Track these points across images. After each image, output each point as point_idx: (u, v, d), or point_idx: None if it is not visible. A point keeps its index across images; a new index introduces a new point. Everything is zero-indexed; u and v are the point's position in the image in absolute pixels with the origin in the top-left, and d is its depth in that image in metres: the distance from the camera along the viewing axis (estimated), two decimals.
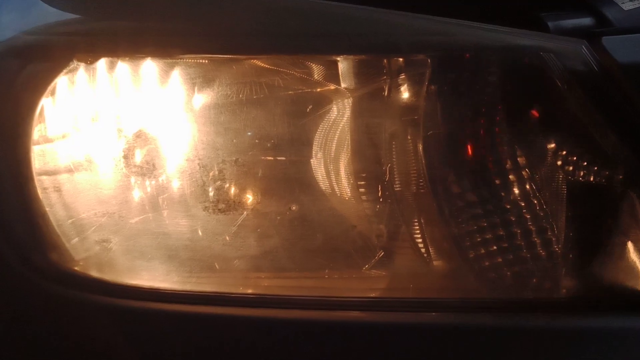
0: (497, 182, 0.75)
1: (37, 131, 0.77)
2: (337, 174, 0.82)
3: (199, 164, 0.80)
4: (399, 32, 0.72)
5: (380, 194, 0.80)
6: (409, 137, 0.78)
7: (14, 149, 0.77)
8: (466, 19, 0.72)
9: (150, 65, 0.78)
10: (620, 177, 0.73)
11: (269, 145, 0.81)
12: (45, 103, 0.77)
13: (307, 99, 0.81)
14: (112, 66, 0.78)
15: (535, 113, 0.76)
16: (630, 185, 0.73)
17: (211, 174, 0.81)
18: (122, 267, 0.83)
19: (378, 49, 0.75)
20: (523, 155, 0.75)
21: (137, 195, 0.82)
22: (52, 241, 0.80)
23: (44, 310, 0.81)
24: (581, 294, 0.76)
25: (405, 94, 0.78)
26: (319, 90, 0.81)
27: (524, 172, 0.76)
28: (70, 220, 0.81)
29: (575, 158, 0.75)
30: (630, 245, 0.75)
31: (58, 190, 0.81)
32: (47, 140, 0.80)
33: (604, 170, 0.74)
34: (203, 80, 0.79)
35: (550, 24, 0.73)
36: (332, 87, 0.80)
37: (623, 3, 0.75)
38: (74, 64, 0.76)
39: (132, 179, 0.81)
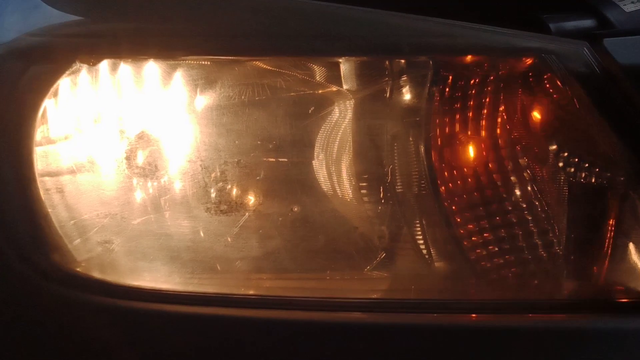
0: (499, 183, 0.75)
1: (39, 132, 0.78)
2: (339, 175, 0.82)
3: (201, 165, 0.80)
4: (400, 34, 0.72)
5: (382, 195, 0.80)
6: (410, 139, 0.78)
7: (16, 150, 0.77)
8: (468, 20, 0.72)
9: (152, 67, 0.78)
10: (622, 178, 0.73)
11: (271, 146, 0.81)
12: (48, 104, 0.77)
13: (309, 101, 0.81)
14: (114, 68, 0.78)
15: (536, 114, 0.76)
16: (631, 187, 0.73)
17: (213, 175, 0.81)
18: (124, 268, 0.83)
19: (380, 51, 0.75)
20: (524, 157, 0.75)
21: (139, 196, 0.82)
22: (55, 242, 0.80)
23: (46, 310, 0.81)
24: (583, 295, 0.76)
25: (407, 95, 0.78)
26: (321, 91, 0.81)
27: (525, 174, 0.76)
28: (72, 222, 0.81)
29: (576, 159, 0.75)
30: (631, 246, 0.75)
31: (60, 191, 0.81)
32: (50, 141, 0.80)
33: (606, 171, 0.74)
34: (205, 81, 0.79)
35: (551, 25, 0.73)
36: (334, 88, 0.80)
37: (624, 5, 0.75)
38: (77, 65, 0.77)
39: (135, 180, 0.81)
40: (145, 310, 0.79)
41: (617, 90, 0.69)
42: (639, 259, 0.74)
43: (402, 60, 0.77)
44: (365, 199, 0.81)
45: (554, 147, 0.75)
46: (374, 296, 0.82)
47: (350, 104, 0.80)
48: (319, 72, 0.80)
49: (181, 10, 0.75)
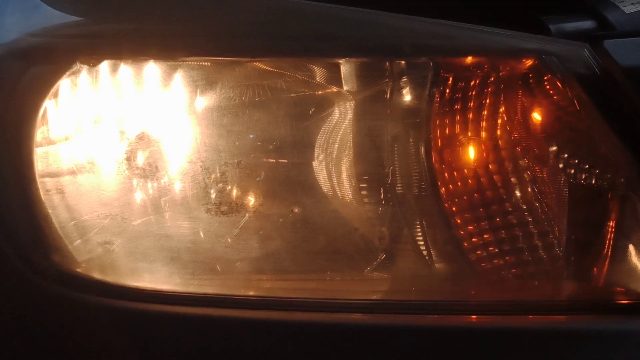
0: (499, 184, 0.75)
1: (40, 133, 0.78)
2: (339, 176, 0.82)
3: (201, 166, 0.80)
4: (401, 35, 0.72)
5: (382, 196, 0.80)
6: (411, 140, 0.78)
7: (17, 150, 0.77)
8: (468, 21, 0.72)
9: (152, 68, 0.78)
10: (622, 179, 0.73)
11: (271, 147, 0.81)
12: (48, 105, 0.77)
13: (309, 102, 0.81)
14: (114, 69, 0.78)
15: (537, 116, 0.76)
16: (632, 188, 0.73)
17: (213, 176, 0.81)
18: (125, 269, 0.83)
19: (380, 52, 0.75)
20: (525, 158, 0.76)
21: (139, 197, 0.82)
22: (55, 243, 0.80)
23: (46, 311, 0.81)
24: (583, 297, 0.76)
25: (407, 96, 0.78)
26: (321, 92, 0.81)
27: (525, 175, 0.76)
28: (72, 222, 0.81)
29: (577, 161, 0.75)
30: (631, 247, 0.75)
31: (61, 192, 0.81)
32: (50, 142, 0.80)
33: (606, 173, 0.74)
34: (206, 82, 0.79)
35: (552, 27, 0.73)
36: (335, 89, 0.80)
37: (625, 6, 0.75)
38: (77, 66, 0.77)
39: (135, 181, 0.81)
40: (146, 311, 0.79)
41: (617, 92, 0.70)
42: (639, 260, 0.74)
43: (403, 62, 0.77)
44: (366, 200, 0.81)
45: (554, 148, 0.75)
46: (374, 297, 0.82)
47: (350, 105, 0.80)
48: (319, 73, 0.80)
49: (181, 11, 0.75)
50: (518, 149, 0.76)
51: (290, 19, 0.73)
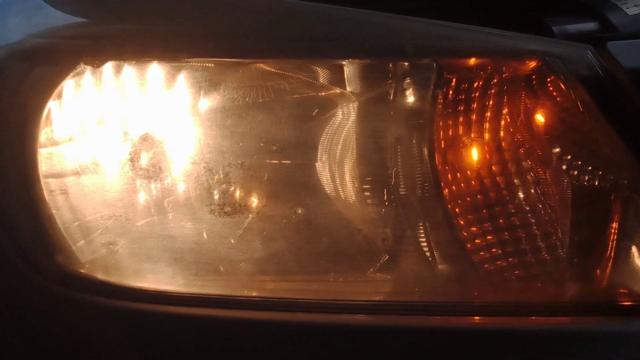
0: (502, 186, 0.75)
1: (43, 134, 0.78)
2: (343, 177, 0.82)
3: (205, 167, 0.81)
4: (404, 36, 0.72)
5: (385, 197, 0.80)
6: (414, 141, 0.78)
7: (21, 151, 0.77)
8: (471, 23, 0.72)
9: (156, 69, 0.78)
10: (625, 181, 0.73)
11: (274, 148, 0.81)
12: (52, 106, 0.77)
13: (312, 103, 0.81)
14: (118, 69, 0.78)
15: (540, 117, 0.76)
16: (635, 190, 0.73)
17: (217, 177, 0.81)
18: (128, 270, 0.83)
19: (384, 53, 0.75)
20: (528, 159, 0.76)
21: (143, 198, 0.82)
22: (59, 243, 0.80)
23: (49, 312, 0.81)
24: (586, 298, 0.76)
25: (410, 98, 0.78)
26: (324, 94, 0.81)
27: (528, 176, 0.76)
28: (76, 223, 0.81)
29: (580, 162, 0.75)
30: (634, 249, 0.75)
31: (64, 192, 0.81)
32: (54, 142, 0.80)
33: (609, 174, 0.74)
34: (209, 83, 0.79)
35: (555, 28, 0.73)
36: (338, 91, 0.80)
37: (628, 8, 0.75)
38: (81, 67, 0.77)
39: (138, 182, 0.81)
40: (149, 311, 0.79)
41: (620, 93, 0.70)
42: None
43: (406, 63, 0.77)
44: (369, 201, 0.81)
45: (558, 150, 0.75)
46: (378, 298, 0.82)
47: (353, 107, 0.81)
48: (322, 75, 0.80)
49: (185, 13, 0.75)
50: (521, 150, 0.76)
51: (294, 21, 0.73)
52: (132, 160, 0.80)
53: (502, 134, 0.75)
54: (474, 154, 0.76)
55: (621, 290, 0.76)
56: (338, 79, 0.79)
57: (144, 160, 0.81)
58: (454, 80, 0.76)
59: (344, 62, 0.78)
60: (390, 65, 0.78)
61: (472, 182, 0.76)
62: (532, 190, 0.75)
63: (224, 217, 0.82)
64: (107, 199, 0.81)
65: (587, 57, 0.70)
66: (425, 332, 0.75)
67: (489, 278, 0.78)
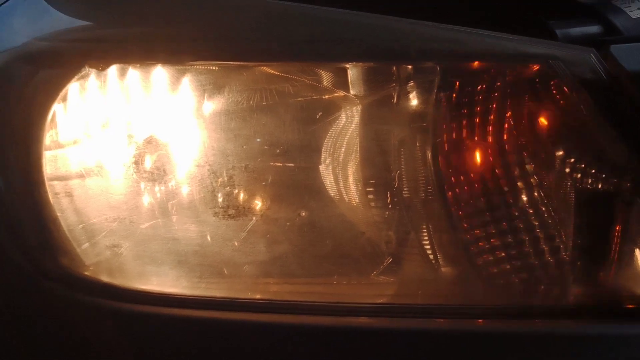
0: (506, 189, 0.75)
1: (48, 136, 0.78)
2: (346, 180, 0.82)
3: (209, 169, 0.81)
4: (408, 40, 0.73)
5: (389, 200, 0.80)
6: (417, 144, 0.78)
7: (26, 154, 0.77)
8: (475, 26, 0.72)
9: (160, 72, 0.78)
10: (628, 184, 0.73)
11: (278, 151, 0.81)
12: (57, 109, 0.78)
13: (316, 106, 0.81)
14: (123, 73, 0.78)
15: (543, 120, 0.76)
16: (638, 193, 0.73)
17: (221, 179, 0.81)
18: (132, 272, 0.83)
19: (387, 56, 0.75)
20: (531, 163, 0.76)
21: (147, 200, 0.82)
22: (63, 246, 0.80)
23: (54, 314, 0.82)
24: (589, 301, 0.76)
25: (414, 101, 0.78)
26: (328, 97, 0.81)
27: (532, 179, 0.76)
28: (81, 226, 0.82)
29: (583, 165, 0.75)
30: (638, 252, 0.75)
31: (69, 195, 0.81)
32: (59, 145, 0.80)
33: (612, 177, 0.74)
34: (213, 86, 0.79)
35: (558, 32, 0.73)
36: (342, 94, 0.80)
37: (631, 11, 0.75)
38: (86, 70, 0.77)
39: (143, 185, 0.82)
40: (153, 314, 0.79)
41: (623, 97, 0.70)
42: None
43: (410, 66, 0.77)
44: (373, 204, 0.81)
45: (561, 153, 0.75)
46: (381, 301, 0.82)
47: (357, 110, 0.81)
48: (326, 78, 0.80)
49: (189, 16, 0.75)
50: (524, 153, 0.76)
51: (298, 24, 0.74)
52: (136, 163, 0.81)
53: (505, 137, 0.75)
54: (478, 157, 0.76)
55: (625, 293, 0.76)
56: (342, 82, 0.79)
57: (149, 163, 0.81)
58: (457, 83, 0.76)
59: (347, 65, 0.78)
60: (394, 68, 0.78)
61: (476, 185, 0.76)
62: (536, 194, 0.75)
63: (228, 219, 0.82)
64: (111, 202, 0.82)
65: (590, 61, 0.70)
66: (428, 334, 0.75)
67: (492, 281, 0.78)
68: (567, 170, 0.75)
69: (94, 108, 0.80)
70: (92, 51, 0.77)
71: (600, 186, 0.74)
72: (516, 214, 0.75)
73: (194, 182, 0.81)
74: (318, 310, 0.78)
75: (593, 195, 0.75)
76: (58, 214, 0.80)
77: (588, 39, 0.73)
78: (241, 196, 0.82)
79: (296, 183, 0.83)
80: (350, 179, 0.82)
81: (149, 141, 0.81)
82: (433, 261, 0.80)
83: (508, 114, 0.75)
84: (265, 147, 0.81)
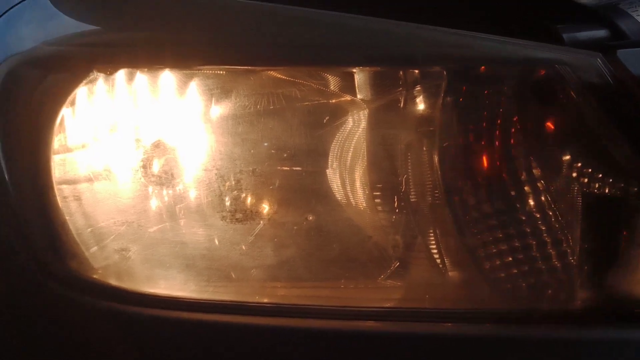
0: (512, 193, 0.75)
1: (57, 141, 0.78)
2: (353, 184, 0.82)
3: (216, 174, 0.81)
4: (415, 44, 0.73)
5: (395, 204, 0.80)
6: (424, 148, 0.78)
7: (34, 157, 0.78)
8: (481, 31, 0.72)
9: (168, 76, 0.79)
10: (635, 189, 0.73)
11: (285, 155, 0.81)
12: (65, 113, 0.78)
13: (323, 110, 0.81)
14: (131, 77, 0.78)
15: (550, 125, 0.76)
16: None
17: (228, 184, 0.81)
18: (140, 276, 0.83)
19: (394, 61, 0.75)
20: (538, 167, 0.75)
21: (155, 204, 0.82)
22: (72, 249, 0.81)
23: (62, 317, 0.82)
24: (596, 306, 0.76)
25: (421, 105, 0.78)
26: (335, 101, 0.81)
27: (539, 184, 0.76)
28: (89, 229, 0.82)
29: (590, 170, 0.75)
30: None
31: (78, 199, 0.81)
32: (67, 149, 0.80)
33: (619, 182, 0.74)
34: (221, 91, 0.79)
35: (565, 36, 0.73)
36: (349, 98, 0.80)
37: (638, 15, 0.74)
38: (94, 74, 0.77)
39: (151, 189, 0.82)
40: (161, 317, 0.79)
41: (630, 101, 0.69)
42: None
43: (416, 71, 0.77)
44: (380, 208, 0.81)
45: (568, 157, 0.75)
46: (388, 305, 0.82)
47: (364, 114, 0.81)
48: (333, 82, 0.80)
49: (196, 20, 0.76)
50: (531, 158, 0.76)
51: (305, 28, 0.74)
52: (144, 167, 0.81)
53: (512, 141, 0.75)
54: (484, 162, 0.76)
55: (632, 297, 0.76)
56: (349, 86, 0.79)
57: (156, 167, 0.81)
58: (464, 87, 0.76)
59: (354, 70, 0.78)
60: (401, 72, 0.78)
61: (483, 190, 0.76)
62: (543, 198, 0.75)
63: (236, 223, 0.82)
64: (119, 206, 0.82)
65: (597, 65, 0.70)
66: (435, 338, 0.75)
67: (499, 285, 0.77)
68: (574, 174, 0.75)
69: (102, 112, 0.80)
70: (100, 56, 0.77)
71: (607, 191, 0.74)
72: (523, 218, 0.75)
73: (202, 186, 0.82)
74: (325, 314, 0.78)
75: (600, 199, 0.74)
76: (66, 218, 0.80)
77: (595, 44, 0.72)
78: (249, 200, 0.82)
79: (303, 187, 0.83)
80: (357, 183, 0.82)
81: (157, 145, 0.81)
82: (440, 265, 0.80)
83: (515, 119, 0.75)
84: (273, 151, 0.81)
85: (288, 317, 0.78)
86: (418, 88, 0.77)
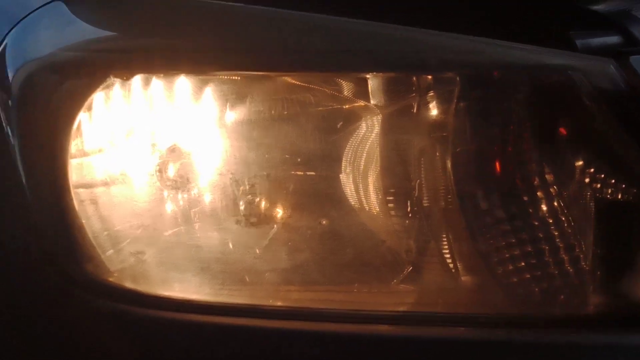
0: (525, 199, 0.75)
1: (74, 145, 0.79)
2: (367, 189, 0.83)
3: (231, 178, 0.81)
4: (428, 50, 0.73)
5: (409, 209, 0.81)
6: (437, 154, 0.78)
7: (52, 162, 0.78)
8: (494, 37, 0.72)
9: (184, 82, 0.79)
10: None
11: (299, 160, 0.82)
12: (83, 118, 0.79)
13: (337, 116, 0.82)
14: (147, 82, 0.79)
15: (563, 131, 0.76)
16: None
17: (242, 188, 0.82)
18: (156, 279, 0.84)
19: (407, 67, 0.76)
20: (551, 173, 0.75)
21: (170, 208, 0.83)
22: (88, 252, 0.81)
23: (78, 319, 0.83)
24: (609, 311, 0.76)
25: (434, 111, 0.78)
26: (349, 106, 0.82)
27: (551, 190, 0.76)
28: (105, 232, 0.82)
29: (602, 175, 0.75)
30: None
31: (94, 202, 0.82)
32: (84, 154, 0.81)
33: (631, 187, 0.74)
34: (236, 96, 0.80)
35: (577, 42, 0.73)
36: (362, 103, 0.81)
37: None
38: (111, 80, 0.77)
39: (166, 193, 0.82)
40: (176, 320, 0.80)
41: None
42: None
43: (430, 76, 0.78)
44: (393, 213, 0.81)
45: (580, 163, 0.75)
46: (401, 309, 0.82)
47: (377, 119, 0.81)
48: (347, 88, 0.80)
49: (212, 27, 0.76)
50: (544, 163, 0.76)
51: (319, 34, 0.74)
52: (160, 171, 0.81)
53: (525, 147, 0.76)
54: (497, 167, 0.77)
55: None
56: (362, 91, 0.80)
57: (172, 171, 0.82)
58: (477, 93, 0.76)
59: (368, 76, 0.79)
60: (414, 78, 0.78)
61: (495, 195, 0.76)
62: (555, 203, 0.76)
63: (250, 227, 0.82)
64: (135, 209, 0.83)
65: (609, 71, 0.70)
66: (448, 342, 0.75)
67: (512, 290, 0.78)
68: (587, 180, 0.75)
69: (118, 117, 0.81)
70: (116, 61, 0.78)
71: (619, 196, 0.74)
72: (535, 223, 0.75)
73: (217, 190, 0.82)
74: (339, 318, 0.78)
75: (612, 205, 0.74)
76: (83, 221, 0.81)
77: (607, 50, 0.72)
78: (263, 204, 0.82)
79: (317, 192, 0.83)
80: (371, 188, 0.83)
81: (173, 150, 0.81)
82: (453, 270, 0.80)
83: (527, 124, 0.75)
84: (287, 156, 0.82)
85: (301, 320, 0.78)
86: (431, 94, 0.78)
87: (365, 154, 0.82)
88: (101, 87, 0.78)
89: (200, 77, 0.79)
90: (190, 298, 0.82)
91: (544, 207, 0.75)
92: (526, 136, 0.76)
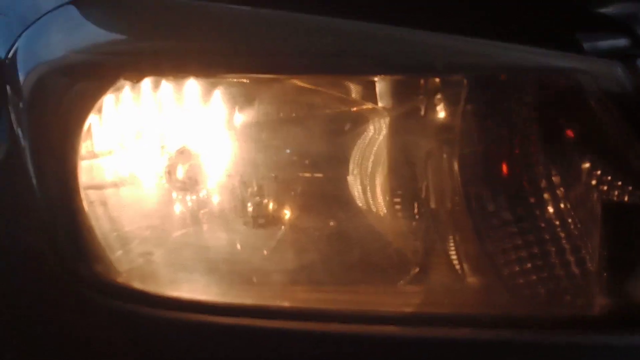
0: (532, 200, 0.75)
1: (84, 147, 0.79)
2: (374, 191, 0.83)
3: (239, 180, 0.82)
4: (435, 53, 0.73)
5: (416, 211, 0.81)
6: (444, 156, 0.79)
7: (62, 163, 0.79)
8: (502, 39, 0.72)
9: (193, 85, 0.80)
10: None
11: (307, 162, 0.82)
12: (93, 120, 0.79)
13: (345, 118, 0.82)
14: (156, 85, 0.80)
15: (570, 133, 0.76)
16: None
17: (251, 189, 0.82)
18: (164, 279, 0.84)
19: (415, 69, 0.76)
20: (558, 175, 0.76)
21: (179, 209, 0.83)
22: (97, 253, 0.81)
23: (88, 320, 0.83)
24: (615, 312, 0.76)
25: (441, 113, 0.79)
26: (356, 109, 0.82)
27: (558, 191, 0.76)
28: (115, 233, 0.83)
29: (609, 178, 0.75)
30: None
31: (104, 204, 0.82)
32: (94, 155, 0.81)
33: (638, 190, 0.74)
34: (244, 99, 0.80)
35: (585, 44, 0.73)
36: (370, 106, 0.81)
37: None
38: (121, 82, 0.78)
39: (175, 194, 0.83)
40: (184, 320, 0.80)
41: None
42: None
43: (437, 79, 0.78)
44: (400, 214, 0.82)
45: (587, 165, 0.76)
46: (408, 310, 0.82)
47: (385, 122, 0.81)
48: (355, 90, 0.81)
49: (221, 30, 0.77)
50: (551, 165, 0.76)
51: (327, 37, 0.74)
52: (169, 173, 0.82)
53: (532, 149, 0.76)
54: (504, 169, 0.77)
55: None
56: (370, 94, 0.80)
57: (181, 173, 0.82)
58: (484, 96, 0.76)
59: (376, 78, 0.79)
60: (422, 81, 0.78)
61: (502, 197, 0.76)
62: (562, 205, 0.76)
63: (258, 228, 0.83)
64: (144, 210, 0.83)
65: (617, 74, 0.70)
66: (454, 343, 0.75)
67: (518, 291, 0.78)
68: (594, 182, 0.75)
69: (128, 119, 0.81)
70: (127, 64, 0.78)
71: (626, 198, 0.74)
72: (542, 225, 0.76)
73: (225, 192, 0.83)
74: (346, 318, 0.78)
75: (619, 207, 0.75)
76: (93, 222, 0.81)
77: (615, 52, 0.72)
78: (271, 206, 0.83)
79: (325, 193, 0.84)
80: (378, 190, 0.83)
81: (182, 152, 0.82)
82: (459, 271, 0.81)
83: (534, 127, 0.76)
84: (295, 158, 0.82)
85: (309, 320, 0.78)
86: (439, 96, 0.78)
87: (372, 156, 0.83)
88: (111, 89, 0.78)
89: (209, 79, 0.80)
90: (199, 298, 0.82)
91: (551, 209, 0.75)
92: (533, 138, 0.76)
